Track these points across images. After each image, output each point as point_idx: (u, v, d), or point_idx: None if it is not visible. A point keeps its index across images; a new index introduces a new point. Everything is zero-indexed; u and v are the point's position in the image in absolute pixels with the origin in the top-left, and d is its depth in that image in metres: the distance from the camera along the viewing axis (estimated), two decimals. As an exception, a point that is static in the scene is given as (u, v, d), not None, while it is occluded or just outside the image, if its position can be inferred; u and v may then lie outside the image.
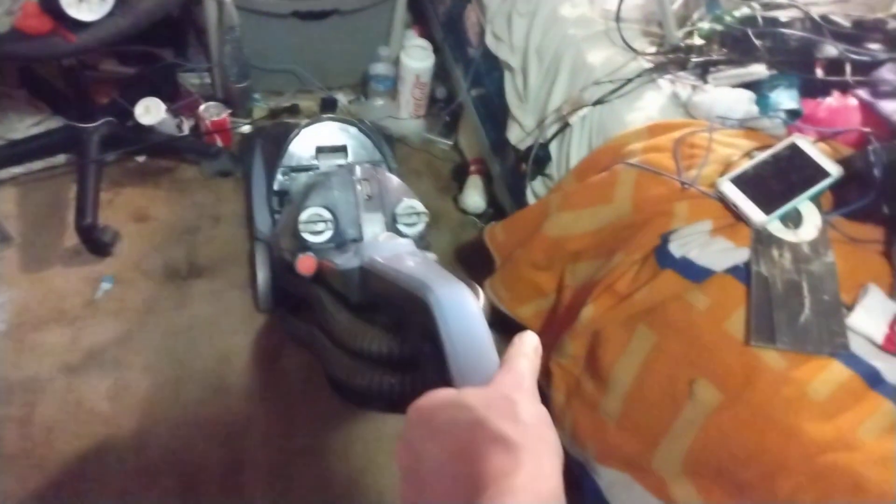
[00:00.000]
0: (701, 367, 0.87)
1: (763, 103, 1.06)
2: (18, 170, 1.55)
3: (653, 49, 1.20)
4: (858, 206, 0.93)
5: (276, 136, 1.51)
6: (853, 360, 0.81)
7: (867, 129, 0.99)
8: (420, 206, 1.09)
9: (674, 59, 1.15)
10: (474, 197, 1.68)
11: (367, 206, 1.06)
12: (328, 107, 1.84)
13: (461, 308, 0.49)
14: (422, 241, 1.08)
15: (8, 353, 1.28)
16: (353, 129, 1.43)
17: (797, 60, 1.06)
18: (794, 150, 0.97)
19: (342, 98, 1.89)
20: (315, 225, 1.04)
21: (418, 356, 0.74)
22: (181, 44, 1.76)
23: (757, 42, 1.07)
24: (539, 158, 1.29)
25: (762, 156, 0.97)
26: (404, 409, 0.36)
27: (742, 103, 1.05)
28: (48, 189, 1.55)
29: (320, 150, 1.40)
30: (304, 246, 1.04)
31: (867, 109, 1.01)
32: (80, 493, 1.14)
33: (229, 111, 1.67)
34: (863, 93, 1.02)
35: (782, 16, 1.10)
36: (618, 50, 1.22)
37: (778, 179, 0.94)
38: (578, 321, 1.00)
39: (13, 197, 1.53)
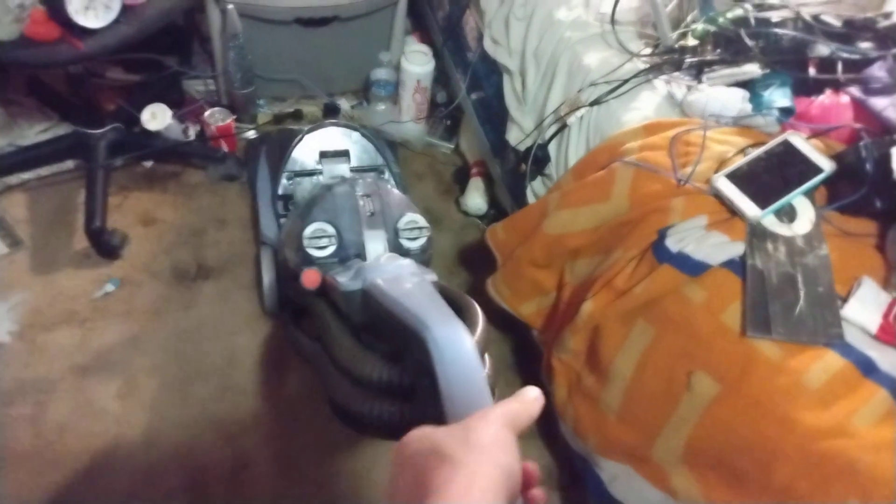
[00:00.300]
0: (698, 359, 0.89)
1: (756, 101, 1.07)
2: (28, 175, 1.57)
3: (648, 50, 1.22)
4: (851, 201, 0.94)
5: (280, 142, 1.54)
6: (848, 350, 0.82)
7: (859, 126, 1.00)
8: (422, 221, 1.10)
9: (668, 59, 1.16)
10: (476, 199, 1.69)
11: (369, 223, 1.07)
12: (331, 112, 1.86)
13: (456, 349, 0.53)
14: (424, 255, 1.09)
15: (19, 354, 1.31)
16: (356, 134, 1.45)
17: (790, 59, 1.07)
18: (788, 146, 0.98)
19: (344, 103, 1.91)
20: (319, 240, 1.05)
21: (417, 387, 0.76)
22: (186, 51, 1.79)
23: (750, 42, 1.08)
24: (538, 159, 1.30)
25: (756, 152, 0.98)
26: (400, 437, 0.39)
27: (736, 102, 1.06)
28: (57, 194, 1.57)
29: (324, 155, 1.42)
30: (309, 260, 1.05)
31: (859, 106, 1.02)
32: (91, 490, 1.16)
33: (234, 117, 1.69)
34: (854, 90, 1.03)
35: (774, 16, 1.11)
36: (613, 52, 1.24)
37: (772, 175, 0.95)
38: (578, 317, 1.02)
39: (23, 202, 1.55)
